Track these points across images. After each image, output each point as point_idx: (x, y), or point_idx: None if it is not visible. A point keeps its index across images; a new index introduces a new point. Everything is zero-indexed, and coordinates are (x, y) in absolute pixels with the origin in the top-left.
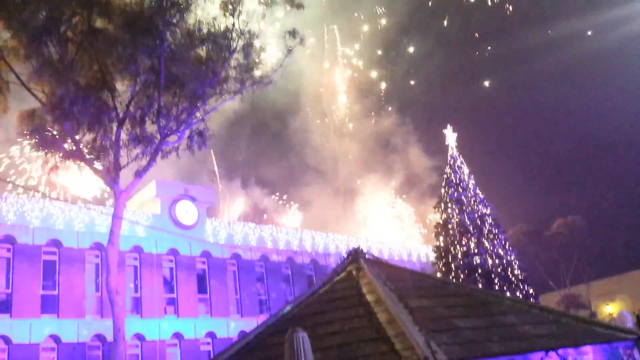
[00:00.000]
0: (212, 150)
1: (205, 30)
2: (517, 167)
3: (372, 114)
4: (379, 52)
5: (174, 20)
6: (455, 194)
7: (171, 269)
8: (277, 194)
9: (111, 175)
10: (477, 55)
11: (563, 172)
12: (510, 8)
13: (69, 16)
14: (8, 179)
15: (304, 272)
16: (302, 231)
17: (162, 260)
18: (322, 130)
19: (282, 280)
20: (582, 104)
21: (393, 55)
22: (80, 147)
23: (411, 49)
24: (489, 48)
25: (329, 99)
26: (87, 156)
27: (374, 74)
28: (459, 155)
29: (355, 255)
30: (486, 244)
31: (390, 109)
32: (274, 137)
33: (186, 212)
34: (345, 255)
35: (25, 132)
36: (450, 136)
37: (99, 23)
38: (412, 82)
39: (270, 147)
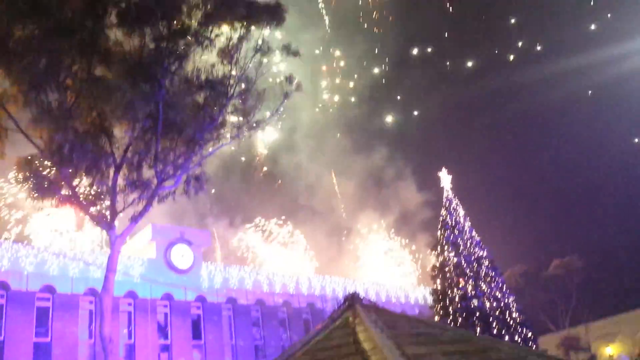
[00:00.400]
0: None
1: (203, 77)
2: (513, 207)
3: (363, 149)
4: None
5: (173, 68)
6: (452, 237)
7: (165, 314)
8: (272, 232)
9: (107, 221)
10: (472, 93)
11: (559, 212)
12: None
13: (68, 64)
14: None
15: (300, 316)
16: (298, 274)
17: (156, 305)
18: (316, 167)
19: (278, 324)
20: (578, 142)
21: (383, 92)
22: (77, 192)
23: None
24: (483, 85)
25: (321, 134)
26: (84, 202)
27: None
28: (454, 197)
29: (352, 300)
30: (483, 286)
31: (382, 146)
32: (266, 175)
33: (182, 256)
34: (341, 299)
35: (22, 178)
36: (445, 178)
37: (98, 71)
38: (404, 118)
39: (262, 186)
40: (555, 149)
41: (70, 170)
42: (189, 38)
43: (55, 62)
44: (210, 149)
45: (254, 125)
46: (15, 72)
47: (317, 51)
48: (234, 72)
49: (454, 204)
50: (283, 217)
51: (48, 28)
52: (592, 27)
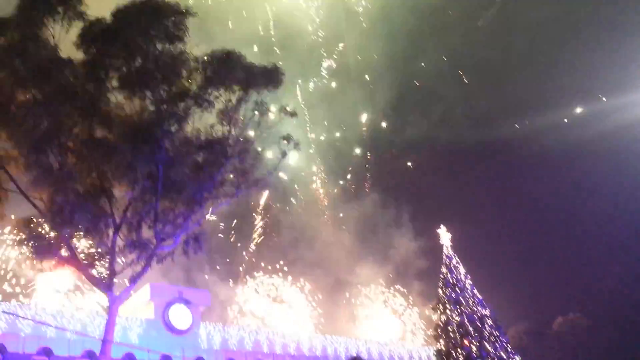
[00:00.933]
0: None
1: (202, 138)
2: (514, 264)
3: (357, 198)
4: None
5: (173, 129)
6: (453, 295)
7: None
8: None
9: (105, 282)
10: (470, 142)
11: (562, 268)
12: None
13: (70, 126)
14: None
15: None
16: (299, 334)
17: None
18: (312, 221)
19: None
20: (581, 196)
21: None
22: (76, 254)
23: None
24: (482, 134)
25: (317, 185)
26: (83, 263)
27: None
28: (454, 255)
29: None
30: (488, 347)
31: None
32: (264, 231)
33: (180, 316)
34: None
35: (21, 239)
36: (444, 235)
37: (99, 132)
38: (399, 166)
39: (262, 240)
40: (556, 203)
41: (69, 231)
42: (189, 100)
43: (57, 125)
44: (210, 208)
45: (253, 183)
46: (17, 134)
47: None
48: (232, 132)
49: (454, 262)
50: (280, 273)
51: (50, 92)
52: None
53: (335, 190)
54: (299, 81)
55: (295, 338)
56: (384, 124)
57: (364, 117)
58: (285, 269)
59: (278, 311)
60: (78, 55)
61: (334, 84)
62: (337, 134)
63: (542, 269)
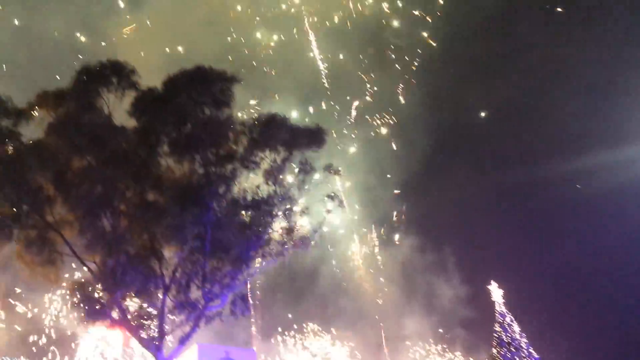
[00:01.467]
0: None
1: (249, 198)
2: (571, 318)
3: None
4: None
5: (221, 191)
6: (509, 355)
7: None
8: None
9: (155, 343)
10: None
11: (621, 320)
12: None
13: (122, 191)
14: None
15: None
16: None
17: None
18: (352, 275)
19: None
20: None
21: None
22: (127, 315)
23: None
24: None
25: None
26: (133, 324)
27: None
28: (507, 312)
29: None
30: None
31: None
32: (304, 288)
33: None
34: None
35: (75, 302)
36: (496, 292)
37: (150, 196)
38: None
39: (304, 298)
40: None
41: (121, 293)
42: (236, 162)
43: (110, 190)
44: (256, 267)
45: (299, 241)
46: (72, 199)
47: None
48: (278, 192)
49: (507, 319)
50: (320, 328)
51: (104, 158)
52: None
53: (375, 238)
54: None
55: None
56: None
57: (403, 162)
58: (325, 323)
59: None
60: (130, 123)
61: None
62: (374, 180)
63: (607, 322)
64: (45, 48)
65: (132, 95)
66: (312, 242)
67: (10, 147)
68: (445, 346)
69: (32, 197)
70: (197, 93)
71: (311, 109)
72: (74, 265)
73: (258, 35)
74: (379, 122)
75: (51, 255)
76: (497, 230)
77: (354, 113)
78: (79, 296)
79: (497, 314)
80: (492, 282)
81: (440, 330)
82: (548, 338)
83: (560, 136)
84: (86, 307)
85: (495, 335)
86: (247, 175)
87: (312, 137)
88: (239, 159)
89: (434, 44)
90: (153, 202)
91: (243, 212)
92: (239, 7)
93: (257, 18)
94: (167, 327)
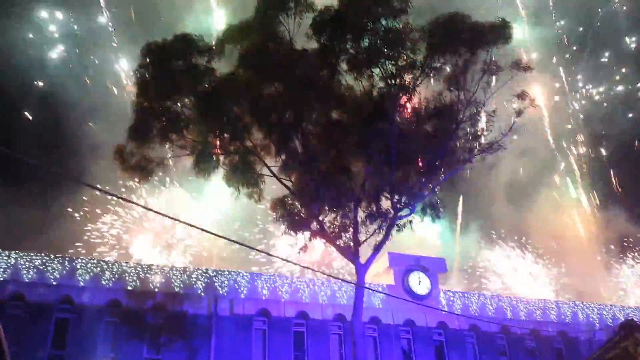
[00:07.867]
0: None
1: (431, 107)
2: None
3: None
4: None
5: (402, 102)
6: None
7: (408, 340)
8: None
9: (352, 251)
10: None
11: None
12: None
13: (309, 113)
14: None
15: (551, 345)
16: (545, 300)
17: (399, 331)
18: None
19: (527, 354)
20: None
21: None
22: (324, 227)
23: None
24: None
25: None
26: (331, 235)
27: None
28: None
29: (630, 329)
30: None
31: None
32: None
33: (419, 282)
34: (610, 327)
35: (277, 217)
36: None
37: (334, 115)
38: None
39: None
40: None
41: (317, 207)
42: (416, 71)
43: (299, 113)
44: (443, 176)
45: (486, 147)
46: (266, 126)
47: None
48: (462, 97)
49: None
50: (523, 239)
51: (291, 84)
52: None
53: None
54: None
55: (541, 304)
56: None
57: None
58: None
59: (520, 276)
60: (310, 45)
61: None
62: None
63: None
64: None
65: (309, 18)
66: (501, 148)
67: (207, 83)
68: None
69: (232, 126)
70: (374, 5)
71: None
72: (273, 186)
73: None
74: None
75: (253, 177)
76: None
77: None
78: (281, 212)
79: None
80: None
81: None
82: None
83: None
84: (289, 221)
85: None
86: (428, 83)
87: (497, 32)
88: (419, 67)
89: None
90: (337, 121)
91: (426, 122)
92: None
93: None
94: (361, 236)
